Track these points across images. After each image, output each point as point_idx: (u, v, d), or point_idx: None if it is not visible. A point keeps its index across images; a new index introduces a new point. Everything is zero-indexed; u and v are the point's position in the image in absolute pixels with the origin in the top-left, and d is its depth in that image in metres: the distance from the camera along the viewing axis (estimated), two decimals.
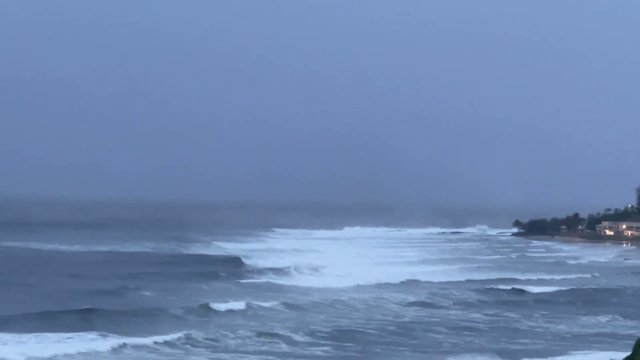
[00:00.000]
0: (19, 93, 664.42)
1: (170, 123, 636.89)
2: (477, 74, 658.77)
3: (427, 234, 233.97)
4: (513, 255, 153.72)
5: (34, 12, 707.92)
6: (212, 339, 60.87)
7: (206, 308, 74.13)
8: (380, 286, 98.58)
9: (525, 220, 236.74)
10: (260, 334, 63.19)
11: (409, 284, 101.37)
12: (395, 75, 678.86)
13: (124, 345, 57.05)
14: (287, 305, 78.14)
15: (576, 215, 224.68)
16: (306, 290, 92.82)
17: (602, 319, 78.11)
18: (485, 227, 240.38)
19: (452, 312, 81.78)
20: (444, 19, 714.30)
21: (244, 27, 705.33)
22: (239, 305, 75.75)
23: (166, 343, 58.71)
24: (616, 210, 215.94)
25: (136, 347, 57.43)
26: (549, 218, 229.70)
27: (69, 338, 58.89)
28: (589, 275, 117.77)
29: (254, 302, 77.37)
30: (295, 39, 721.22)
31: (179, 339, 59.92)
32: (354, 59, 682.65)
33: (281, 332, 64.69)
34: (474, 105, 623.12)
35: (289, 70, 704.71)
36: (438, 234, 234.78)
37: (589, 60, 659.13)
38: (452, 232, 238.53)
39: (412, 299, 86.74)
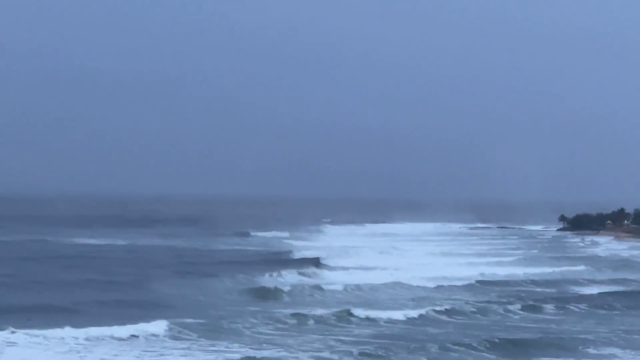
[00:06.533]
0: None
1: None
2: (513, 61, 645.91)
3: (472, 228, 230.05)
4: (592, 253, 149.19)
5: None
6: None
7: (349, 314, 69.46)
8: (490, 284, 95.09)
9: (562, 214, 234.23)
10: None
11: (519, 284, 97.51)
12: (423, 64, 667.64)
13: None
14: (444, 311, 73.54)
15: (622, 210, 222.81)
16: (426, 292, 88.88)
17: None
18: (541, 225, 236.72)
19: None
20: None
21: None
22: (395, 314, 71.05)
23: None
24: None
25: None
26: (594, 213, 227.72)
27: None
28: None
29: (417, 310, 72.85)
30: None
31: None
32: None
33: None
34: (507, 96, 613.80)
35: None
36: (483, 228, 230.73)
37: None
38: (498, 228, 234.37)
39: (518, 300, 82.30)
